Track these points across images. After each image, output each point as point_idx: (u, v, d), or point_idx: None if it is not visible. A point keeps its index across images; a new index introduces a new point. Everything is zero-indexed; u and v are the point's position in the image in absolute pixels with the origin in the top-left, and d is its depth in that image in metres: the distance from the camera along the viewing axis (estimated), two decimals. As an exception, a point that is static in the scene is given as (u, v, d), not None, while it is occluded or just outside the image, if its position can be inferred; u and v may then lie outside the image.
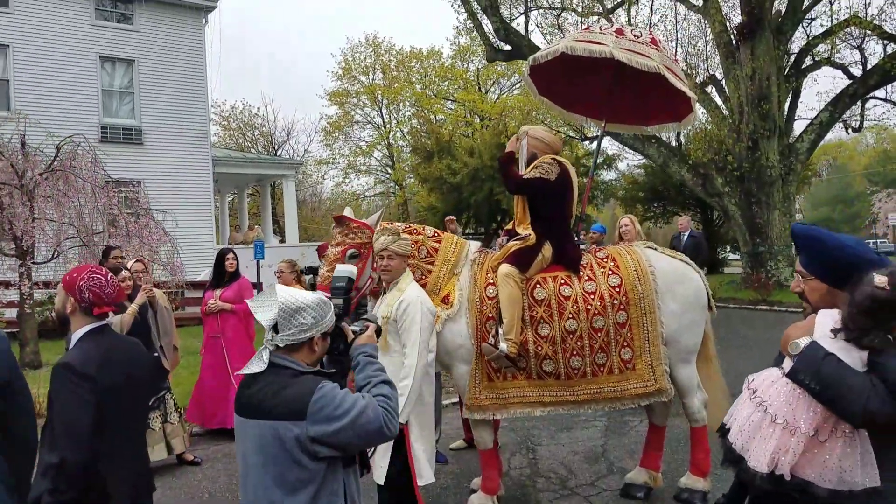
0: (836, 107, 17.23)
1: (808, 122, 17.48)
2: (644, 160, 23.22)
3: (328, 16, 67.11)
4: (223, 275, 6.20)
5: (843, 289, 2.10)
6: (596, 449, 5.57)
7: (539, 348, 4.21)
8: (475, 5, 15.76)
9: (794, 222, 16.68)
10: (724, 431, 2.31)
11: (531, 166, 4.51)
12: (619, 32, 4.83)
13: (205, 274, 14.89)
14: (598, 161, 26.09)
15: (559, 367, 4.22)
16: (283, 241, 22.35)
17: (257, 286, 14.24)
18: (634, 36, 4.86)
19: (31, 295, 9.87)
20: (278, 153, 33.83)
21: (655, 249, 4.68)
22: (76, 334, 2.57)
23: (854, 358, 2.00)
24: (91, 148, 10.98)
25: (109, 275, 2.65)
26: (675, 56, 5.41)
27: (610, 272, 4.41)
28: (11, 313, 11.42)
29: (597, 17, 4.94)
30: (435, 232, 4.49)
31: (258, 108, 45.73)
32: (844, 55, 18.88)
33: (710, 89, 18.14)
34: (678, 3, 18.17)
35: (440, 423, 5.23)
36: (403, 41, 65.08)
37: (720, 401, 4.47)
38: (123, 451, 2.52)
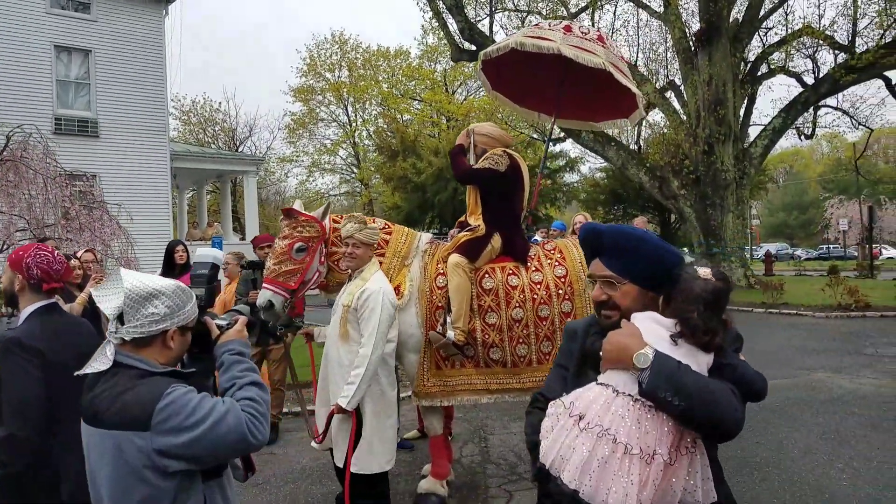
0: (789, 113, 17.78)
1: (762, 127, 18.01)
2: (605, 163, 23.63)
3: (293, 10, 66.54)
4: (173, 267, 6.13)
5: (654, 290, 1.91)
6: (545, 438, 5.67)
7: (486, 336, 4.27)
8: (441, 4, 15.86)
9: (748, 225, 17.15)
10: (543, 476, 1.81)
11: (482, 158, 4.58)
12: (568, 29, 4.91)
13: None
14: (561, 164, 26.46)
15: (506, 355, 4.29)
16: (243, 238, 22.07)
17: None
18: (582, 33, 4.94)
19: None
20: (240, 149, 33.40)
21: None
22: (24, 311, 2.56)
23: (700, 363, 1.77)
24: (43, 139, 10.74)
25: (56, 252, 2.67)
26: (622, 54, 5.51)
27: (556, 263, 4.50)
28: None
29: (559, 21, 5.03)
30: (385, 224, 4.53)
31: (219, 103, 45.07)
32: (798, 64, 19.54)
33: (670, 94, 18.56)
34: (640, 10, 18.53)
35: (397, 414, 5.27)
36: (371, 39, 64.97)
37: None
38: (77, 434, 2.52)
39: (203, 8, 58.70)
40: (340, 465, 3.71)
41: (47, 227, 10.29)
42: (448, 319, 4.22)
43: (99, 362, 1.80)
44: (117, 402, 1.73)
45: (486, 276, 4.36)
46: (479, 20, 17.50)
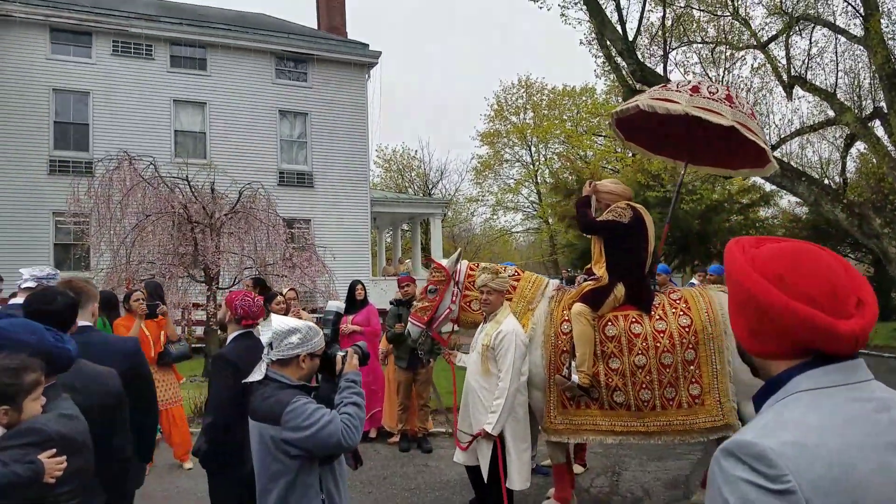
0: None
1: None
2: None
3: (484, 63, 69.77)
4: (354, 302, 7.33)
5: None
6: (679, 478, 5.83)
7: (610, 380, 4.65)
8: (612, 49, 16.19)
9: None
10: None
11: (607, 210, 5.03)
12: (695, 90, 5.06)
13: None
14: (755, 198, 24.94)
15: (629, 398, 4.63)
16: (431, 274, 23.77)
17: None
18: (710, 93, 5.05)
19: (215, 315, 11.76)
20: (432, 192, 35.95)
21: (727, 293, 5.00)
22: (230, 335, 3.64)
23: None
24: (266, 192, 12.89)
25: (256, 298, 3.71)
26: (751, 112, 5.60)
27: (682, 313, 4.77)
28: (200, 330, 13.56)
29: (688, 82, 5.06)
30: (516, 271, 5.17)
31: (415, 151, 48.94)
32: None
33: (875, 124, 16.96)
34: (838, 35, 17.32)
35: (536, 444, 5.84)
36: (558, 79, 66.13)
37: None
38: None
39: (401, 67, 63.97)
40: (486, 480, 4.37)
41: (268, 266, 12.28)
42: (573, 364, 4.69)
43: (256, 375, 2.63)
44: (264, 403, 2.52)
45: (610, 323, 4.73)
46: (658, 60, 17.48)
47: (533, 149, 35.99)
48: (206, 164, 15.62)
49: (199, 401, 8.34)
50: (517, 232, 38.65)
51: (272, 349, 2.59)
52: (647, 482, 5.73)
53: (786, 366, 1.19)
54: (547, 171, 35.03)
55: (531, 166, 36.04)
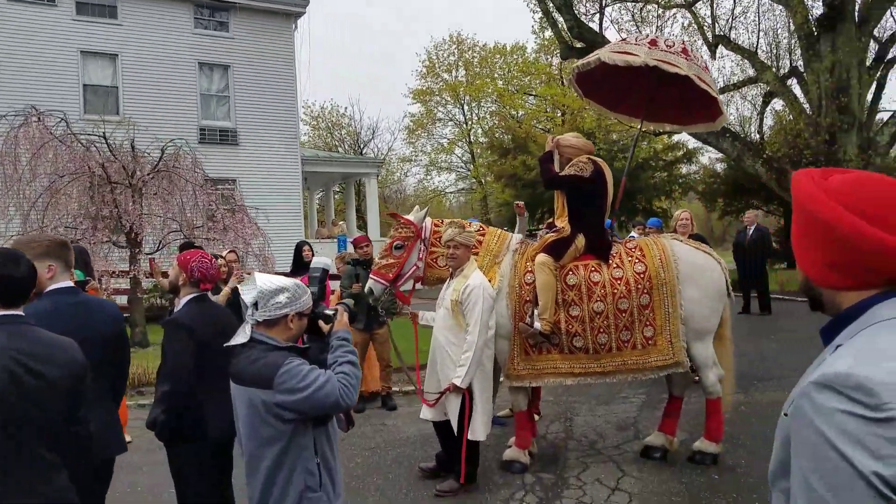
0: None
1: (891, 114, 16.76)
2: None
3: (413, 17, 68.56)
4: (301, 264, 7.10)
5: None
6: (628, 420, 6.09)
7: (570, 327, 4.79)
8: (550, 4, 16.10)
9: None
10: None
11: (569, 165, 5.06)
12: (653, 43, 5.29)
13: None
14: (679, 154, 25.76)
15: (588, 342, 4.80)
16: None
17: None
18: (667, 46, 5.31)
19: (139, 282, 11.15)
20: (363, 152, 35.26)
21: (681, 241, 5.15)
22: (183, 300, 3.37)
23: None
24: (191, 150, 12.18)
25: (213, 259, 3.47)
26: (706, 65, 5.77)
27: (637, 260, 4.93)
28: (122, 299, 12.80)
29: (646, 36, 5.13)
30: (480, 226, 5.21)
31: (345, 108, 47.87)
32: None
33: (792, 82, 17.70)
34: (760, -6, 17.84)
35: (495, 395, 5.89)
36: (489, 36, 65.77)
37: (727, 378, 5.00)
38: (219, 390, 2.85)
39: (330, 18, 61.85)
40: (455, 433, 4.41)
41: (196, 229, 11.66)
42: (535, 312, 4.77)
43: (240, 337, 2.46)
44: (252, 367, 2.37)
45: (571, 272, 4.85)
46: (592, 15, 17.54)
47: (466, 107, 35.76)
48: (119, 120, 14.60)
49: (131, 372, 7.94)
50: (450, 192, 38.60)
51: (257, 309, 2.43)
52: (598, 425, 5.95)
53: (858, 297, 1.19)
54: (480, 130, 34.93)
55: (464, 125, 35.84)
